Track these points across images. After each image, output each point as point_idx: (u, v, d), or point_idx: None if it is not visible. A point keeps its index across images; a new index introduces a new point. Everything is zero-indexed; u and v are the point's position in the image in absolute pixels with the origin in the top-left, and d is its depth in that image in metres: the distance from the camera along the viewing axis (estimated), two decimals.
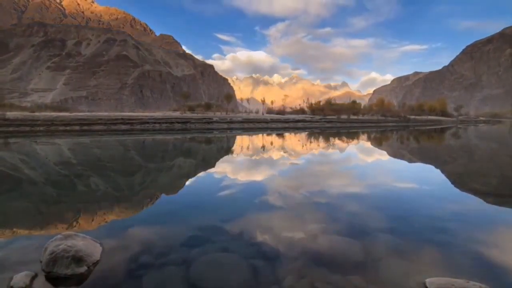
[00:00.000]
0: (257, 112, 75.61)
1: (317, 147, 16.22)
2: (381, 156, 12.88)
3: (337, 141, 20.21)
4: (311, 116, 57.63)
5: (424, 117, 73.30)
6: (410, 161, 11.18)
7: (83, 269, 2.58)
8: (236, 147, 16.60)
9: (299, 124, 46.94)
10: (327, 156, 12.45)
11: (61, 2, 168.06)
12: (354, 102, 75.51)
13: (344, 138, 22.84)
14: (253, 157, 11.57)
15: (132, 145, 17.72)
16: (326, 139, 21.55)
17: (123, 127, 35.29)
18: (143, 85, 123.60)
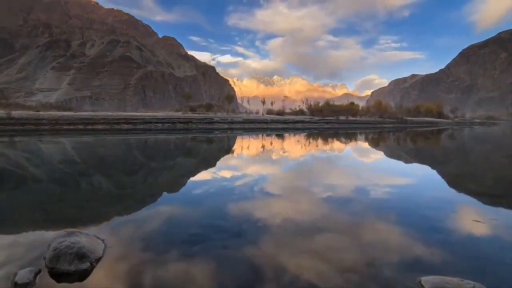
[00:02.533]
0: (257, 112, 75.55)
1: (316, 147, 16.23)
2: (378, 156, 12.88)
3: (335, 142, 20.21)
4: (310, 117, 57.63)
5: (421, 119, 73.31)
6: (406, 161, 11.19)
7: (86, 265, 2.58)
8: (237, 147, 16.60)
9: (298, 125, 46.93)
10: (325, 156, 12.44)
11: (66, 3, 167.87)
12: (352, 103, 75.51)
13: (342, 139, 22.84)
14: (254, 157, 11.57)
15: (134, 144, 17.73)
16: (325, 140, 21.54)
17: (126, 126, 35.28)
18: (146, 86, 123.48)
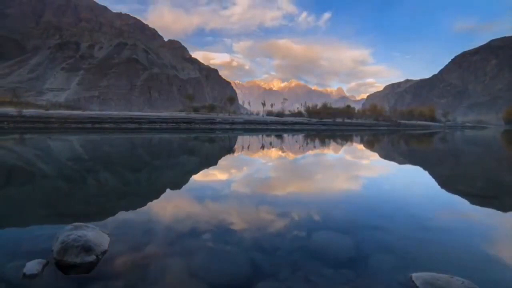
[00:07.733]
0: (257, 114, 75.55)
1: (313, 147, 16.22)
2: (372, 157, 12.86)
3: (331, 143, 20.20)
4: (308, 119, 57.61)
5: (414, 122, 73.34)
6: (399, 162, 11.17)
7: (92, 258, 2.58)
8: (238, 146, 16.59)
9: (297, 126, 46.94)
10: (321, 156, 12.44)
11: (76, 7, 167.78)
12: (348, 106, 75.64)
13: (339, 140, 22.83)
14: (254, 156, 11.56)
15: (139, 142, 17.72)
16: (322, 141, 21.53)
17: (132, 125, 35.27)
18: (151, 87, 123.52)
